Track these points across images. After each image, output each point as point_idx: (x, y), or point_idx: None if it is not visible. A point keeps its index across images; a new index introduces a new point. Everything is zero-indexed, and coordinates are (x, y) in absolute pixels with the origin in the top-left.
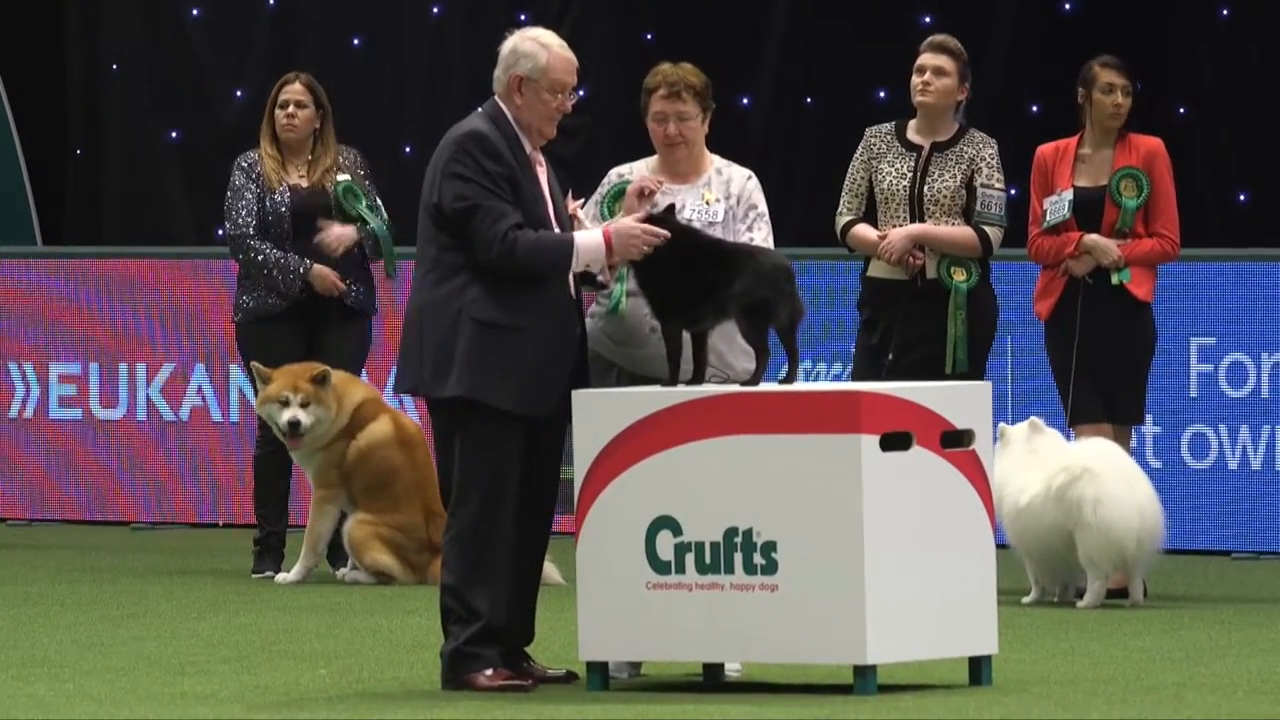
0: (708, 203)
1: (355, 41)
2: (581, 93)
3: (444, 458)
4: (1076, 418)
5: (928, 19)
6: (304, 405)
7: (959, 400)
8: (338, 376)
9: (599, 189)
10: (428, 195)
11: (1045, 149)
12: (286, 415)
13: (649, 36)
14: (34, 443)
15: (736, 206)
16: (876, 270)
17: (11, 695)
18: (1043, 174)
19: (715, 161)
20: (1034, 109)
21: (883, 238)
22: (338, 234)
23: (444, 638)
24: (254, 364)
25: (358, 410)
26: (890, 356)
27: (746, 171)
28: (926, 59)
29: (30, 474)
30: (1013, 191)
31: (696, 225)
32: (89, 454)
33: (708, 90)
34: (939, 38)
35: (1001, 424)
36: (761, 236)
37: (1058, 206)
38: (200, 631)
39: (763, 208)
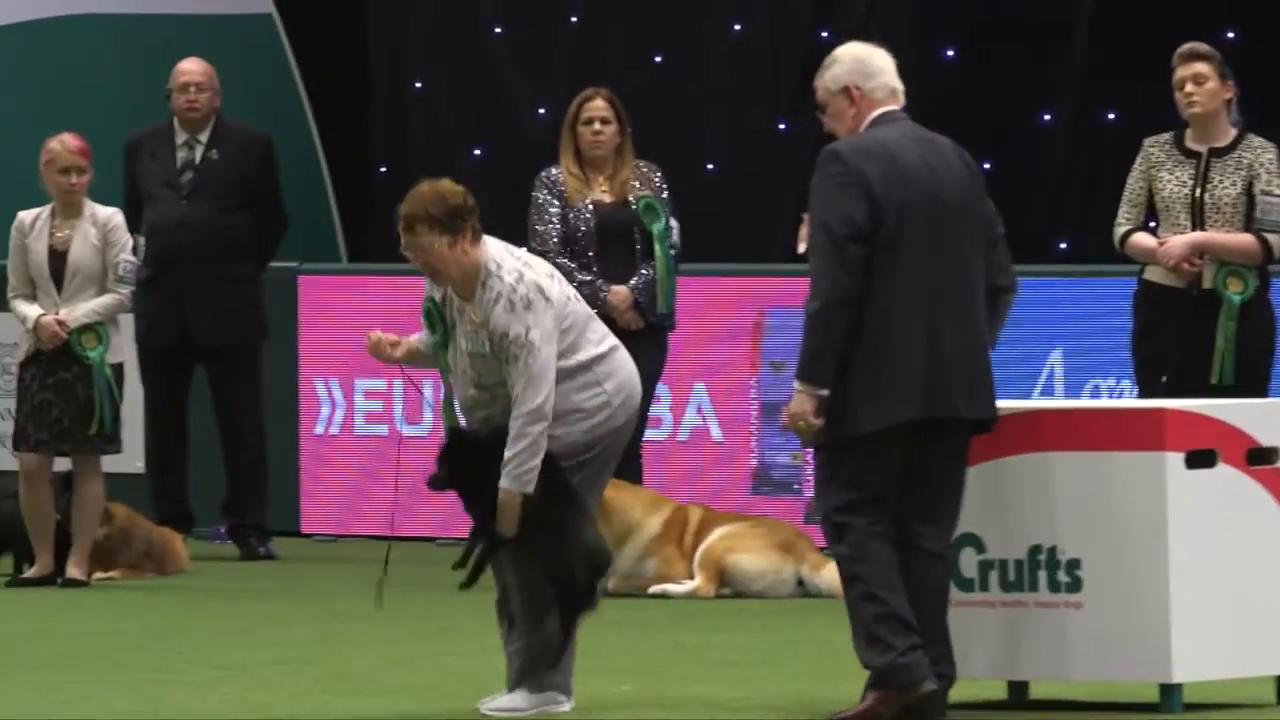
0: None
1: (657, 58)
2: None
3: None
4: None
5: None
6: None
7: (1266, 417)
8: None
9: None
10: (989, 211)
11: None
12: None
13: (950, 54)
14: (340, 459)
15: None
16: (1153, 275)
17: (318, 711)
18: None
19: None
20: None
21: (1162, 244)
22: (623, 296)
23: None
24: None
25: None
26: (1165, 379)
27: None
28: (1181, 71)
29: (336, 490)
30: None
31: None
32: (394, 470)
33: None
34: (1187, 47)
35: None
36: None
37: None
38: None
39: None
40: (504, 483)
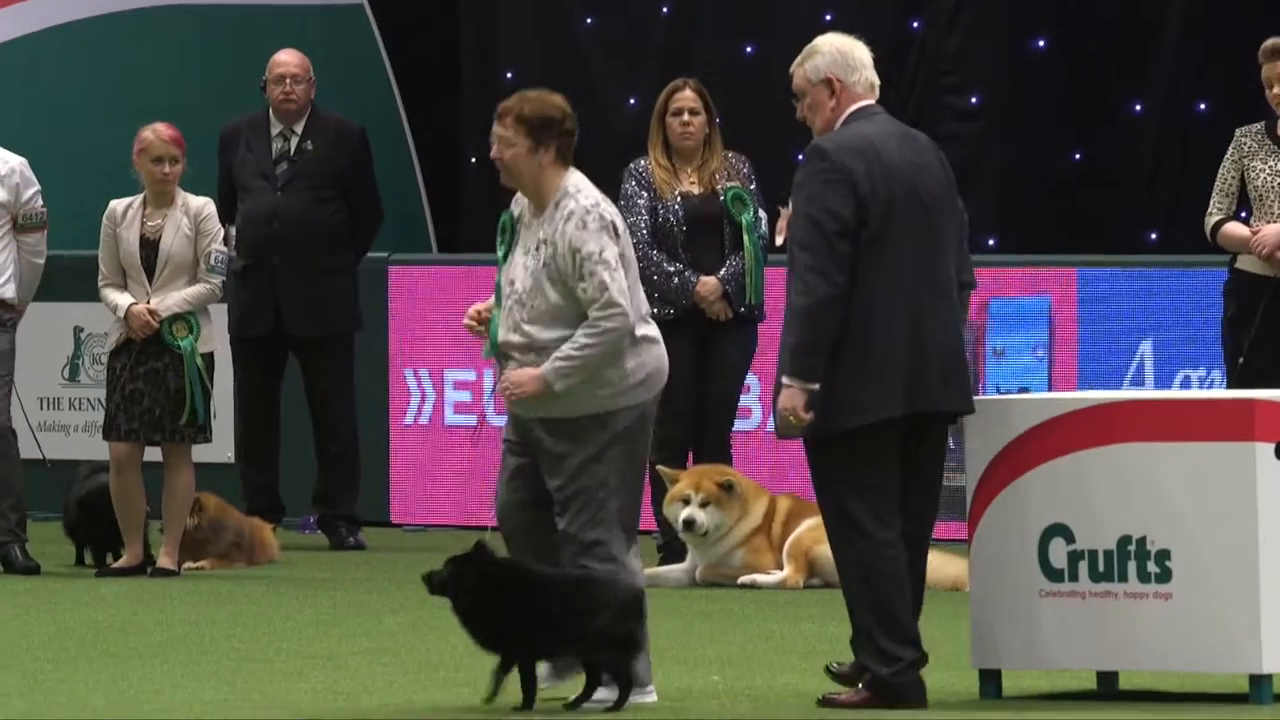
0: None
1: (748, 49)
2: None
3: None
4: None
5: None
6: (703, 505)
7: None
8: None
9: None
10: (960, 208)
11: None
12: (684, 513)
13: (1040, 44)
14: (430, 448)
15: None
16: (1246, 264)
17: (408, 699)
18: None
19: None
20: None
21: (1255, 233)
22: (712, 287)
23: None
24: (660, 468)
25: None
26: (1241, 360)
27: None
28: (1267, 71)
29: (426, 479)
30: None
31: None
32: (484, 459)
33: None
34: (1270, 43)
35: None
36: None
37: None
38: None
39: None
40: (546, 367)
